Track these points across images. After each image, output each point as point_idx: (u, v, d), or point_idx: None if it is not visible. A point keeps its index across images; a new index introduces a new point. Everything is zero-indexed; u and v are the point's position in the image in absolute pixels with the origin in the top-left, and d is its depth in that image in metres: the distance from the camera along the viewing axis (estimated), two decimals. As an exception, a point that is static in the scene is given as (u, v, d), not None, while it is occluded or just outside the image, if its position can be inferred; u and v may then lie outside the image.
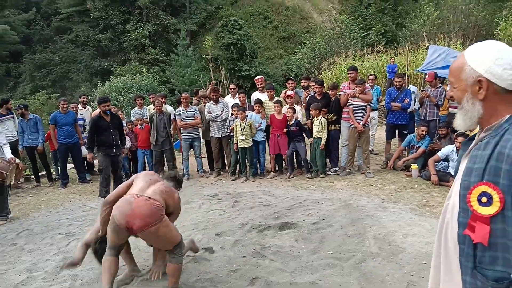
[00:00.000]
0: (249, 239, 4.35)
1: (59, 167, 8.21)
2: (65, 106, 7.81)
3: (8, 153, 5.97)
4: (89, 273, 3.82)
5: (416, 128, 7.39)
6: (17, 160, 7.86)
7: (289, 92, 7.44)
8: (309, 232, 4.41)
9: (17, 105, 8.62)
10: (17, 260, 4.30)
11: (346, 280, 3.31)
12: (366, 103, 6.85)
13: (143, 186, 3.19)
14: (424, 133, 6.70)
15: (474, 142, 1.38)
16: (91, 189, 7.47)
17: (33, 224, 5.52)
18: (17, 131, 8.15)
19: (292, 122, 7.03)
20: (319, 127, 6.83)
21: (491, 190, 1.21)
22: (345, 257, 3.73)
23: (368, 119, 7.00)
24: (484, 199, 1.22)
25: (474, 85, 1.33)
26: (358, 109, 6.83)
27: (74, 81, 27.05)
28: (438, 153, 6.25)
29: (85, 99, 9.24)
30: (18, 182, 8.19)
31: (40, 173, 8.46)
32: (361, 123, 6.76)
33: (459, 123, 1.41)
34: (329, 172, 7.20)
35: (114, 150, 6.61)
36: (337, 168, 7.22)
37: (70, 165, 8.59)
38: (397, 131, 7.50)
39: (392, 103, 7.22)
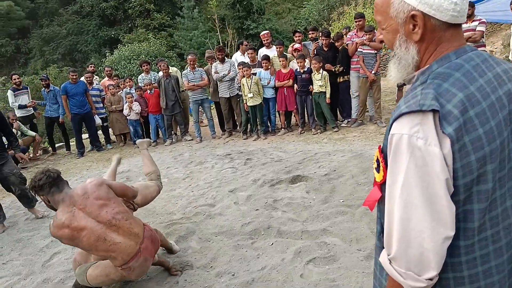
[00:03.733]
0: (261, 194, 4.43)
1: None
2: (74, 76, 7.85)
3: None
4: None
5: None
6: (33, 133, 8.10)
7: (296, 45, 7.26)
8: (320, 183, 4.44)
9: (41, 76, 8.81)
10: (41, 226, 4.50)
11: (356, 225, 3.36)
12: (376, 51, 6.64)
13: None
14: None
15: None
16: (107, 157, 7.63)
17: (54, 192, 5.71)
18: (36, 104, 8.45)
19: (305, 69, 6.85)
20: (322, 80, 6.69)
21: (379, 156, 1.08)
22: (355, 205, 3.77)
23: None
24: (375, 165, 1.11)
25: (407, 22, 1.03)
26: (369, 58, 6.63)
27: (83, 53, 27.00)
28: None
29: (92, 68, 9.26)
30: (37, 155, 8.43)
31: (58, 144, 8.71)
32: (372, 72, 6.59)
33: (392, 75, 1.14)
34: (342, 125, 7.14)
35: None
36: (349, 120, 7.14)
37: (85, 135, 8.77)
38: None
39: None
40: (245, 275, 2.90)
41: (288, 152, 6.04)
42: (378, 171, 1.09)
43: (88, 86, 8.15)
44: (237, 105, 7.66)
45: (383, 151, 1.07)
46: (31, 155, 8.34)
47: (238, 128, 8.04)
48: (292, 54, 7.40)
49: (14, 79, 8.06)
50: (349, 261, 2.88)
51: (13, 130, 7.63)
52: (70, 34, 27.49)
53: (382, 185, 1.08)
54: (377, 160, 1.09)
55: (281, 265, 2.96)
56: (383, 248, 1.07)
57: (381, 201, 1.11)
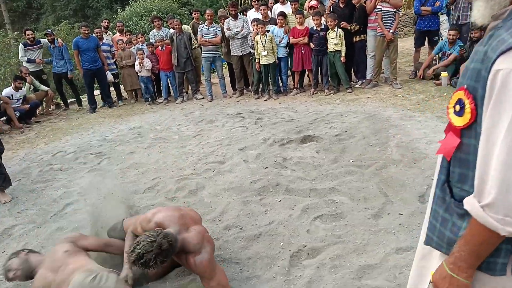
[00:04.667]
0: (271, 152, 4.42)
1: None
2: (86, 31, 7.74)
3: None
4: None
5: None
6: (46, 88, 8.14)
7: (312, 2, 6.99)
8: (331, 144, 4.41)
9: (46, 31, 8.70)
10: (54, 178, 4.60)
11: (365, 185, 3.35)
12: (395, 9, 6.37)
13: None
14: (454, 37, 6.26)
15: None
16: (119, 113, 7.67)
17: (66, 146, 5.81)
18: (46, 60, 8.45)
19: (322, 27, 6.63)
20: (337, 39, 6.47)
21: (465, 98, 0.99)
22: (365, 165, 3.74)
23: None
24: (457, 107, 1.02)
25: None
26: (387, 16, 6.37)
27: (94, 9, 26.51)
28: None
29: (106, 23, 9.11)
30: (50, 110, 8.50)
31: (69, 100, 8.76)
32: (390, 31, 6.35)
33: (480, 12, 1.03)
34: (356, 86, 6.99)
35: None
36: (363, 81, 6.98)
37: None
38: (426, 38, 7.04)
39: (422, 7, 6.69)
40: (252, 229, 2.95)
41: (299, 113, 5.97)
42: (460, 115, 1.01)
43: (99, 41, 8.04)
44: (249, 64, 7.51)
45: (471, 92, 0.99)
46: (44, 110, 8.44)
47: (249, 87, 7.93)
48: (308, 11, 7.14)
49: (28, 35, 7.98)
50: (356, 219, 2.90)
51: (26, 84, 7.69)
52: (81, -12, 26.89)
53: (464, 130, 1.02)
54: (459, 103, 1.01)
55: (288, 220, 2.99)
56: (445, 198, 1.06)
57: (458, 148, 1.05)
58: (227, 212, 3.26)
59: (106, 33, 8.77)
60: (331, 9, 6.86)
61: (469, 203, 0.99)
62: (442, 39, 6.72)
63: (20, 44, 8.19)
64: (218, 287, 2.23)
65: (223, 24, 7.55)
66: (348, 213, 3.00)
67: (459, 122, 1.02)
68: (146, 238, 2.03)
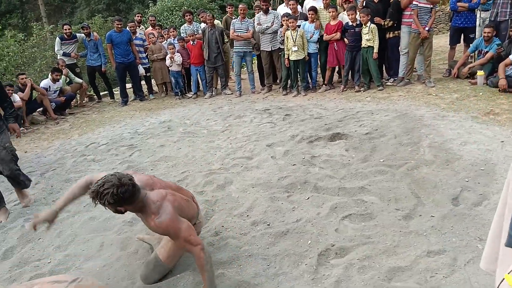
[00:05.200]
0: (299, 149, 4.40)
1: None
2: (119, 25, 7.91)
3: None
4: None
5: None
6: (80, 80, 8.39)
7: None
8: (361, 142, 4.35)
9: (82, 24, 8.97)
10: (87, 168, 4.75)
11: (396, 185, 3.29)
12: (431, 5, 6.19)
13: None
14: (489, 35, 6.02)
15: None
16: (149, 106, 7.82)
17: (99, 138, 5.98)
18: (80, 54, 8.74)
19: (358, 22, 6.51)
20: (369, 34, 6.34)
21: None
22: (397, 165, 3.67)
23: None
24: None
25: None
26: (423, 12, 6.20)
27: (127, 3, 27.05)
28: (510, 56, 5.63)
29: (139, 17, 9.28)
30: (83, 102, 8.77)
31: (102, 93, 8.99)
32: (426, 28, 6.18)
33: None
34: (388, 83, 6.85)
35: None
36: (395, 78, 6.82)
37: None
38: (462, 35, 6.80)
39: (458, 3, 6.47)
40: (280, 226, 2.95)
41: (328, 110, 5.91)
42: None
43: (131, 35, 8.20)
44: (278, 59, 7.48)
45: None
46: (78, 102, 8.71)
47: (278, 82, 7.90)
48: (340, 5, 7.03)
49: (65, 29, 8.23)
50: (386, 220, 2.85)
51: (62, 76, 7.94)
52: (115, -17, 27.47)
53: None
54: None
55: (316, 218, 2.97)
56: None
57: None
58: (254, 208, 3.27)
59: (139, 27, 8.93)
60: (364, 3, 6.73)
61: None
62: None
63: (57, 38, 8.46)
64: (185, 244, 2.23)
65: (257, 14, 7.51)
66: (378, 214, 2.95)
67: None
68: (108, 174, 2.10)
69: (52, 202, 3.94)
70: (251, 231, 2.94)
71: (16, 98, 7.00)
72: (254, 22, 7.46)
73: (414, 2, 6.19)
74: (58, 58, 8.34)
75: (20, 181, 3.87)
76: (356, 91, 6.72)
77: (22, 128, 7.07)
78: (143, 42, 8.52)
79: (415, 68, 6.78)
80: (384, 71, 7.19)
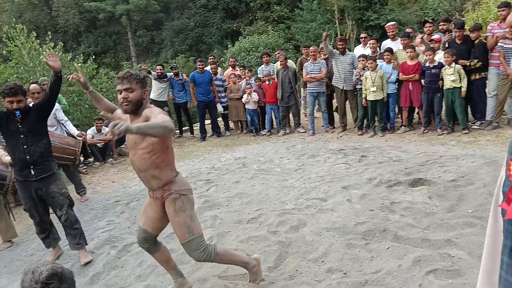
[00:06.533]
0: (377, 194, 4.24)
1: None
2: (201, 66, 8.46)
3: (73, 130, 5.67)
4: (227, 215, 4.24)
5: None
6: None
7: (435, 36, 6.71)
8: (446, 190, 4.07)
9: (171, 65, 9.66)
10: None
11: (488, 241, 3.00)
12: (521, 45, 5.80)
13: None
14: None
15: None
16: (226, 142, 8.12)
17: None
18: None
19: (436, 64, 6.32)
20: (455, 75, 6.05)
21: None
22: (487, 217, 3.34)
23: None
24: None
25: None
26: (510, 53, 5.82)
27: (207, 44, 28.95)
28: None
29: (211, 59, 9.75)
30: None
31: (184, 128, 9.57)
32: (515, 69, 5.78)
33: None
34: (474, 126, 6.43)
35: (32, 172, 3.56)
36: (482, 122, 6.39)
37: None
38: None
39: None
40: (357, 276, 2.82)
41: (408, 152, 5.67)
42: None
43: (212, 76, 8.71)
44: (352, 99, 7.43)
45: None
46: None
47: (353, 122, 7.80)
48: (420, 45, 6.86)
49: (158, 69, 8.84)
50: (477, 278, 2.58)
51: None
52: (197, 26, 29.65)
53: None
54: None
55: (397, 271, 2.80)
56: None
57: None
58: (330, 254, 3.17)
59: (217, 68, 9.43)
60: (447, 44, 6.51)
61: None
62: None
63: (154, 78, 9.00)
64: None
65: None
66: (467, 271, 2.70)
67: None
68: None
69: (135, 232, 4.16)
70: (326, 279, 2.85)
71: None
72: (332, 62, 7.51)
73: (499, 44, 5.85)
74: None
75: (74, 231, 3.69)
76: (438, 134, 6.39)
77: (110, 159, 7.71)
78: (222, 82, 8.99)
79: (504, 111, 6.31)
80: (470, 113, 6.77)
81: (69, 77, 2.65)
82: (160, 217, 2.69)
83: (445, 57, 6.14)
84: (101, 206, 5.24)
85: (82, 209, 5.18)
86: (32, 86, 5.29)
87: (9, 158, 3.86)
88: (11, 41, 10.81)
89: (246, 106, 8.38)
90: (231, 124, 9.41)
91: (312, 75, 7.60)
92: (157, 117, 2.41)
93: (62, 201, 3.63)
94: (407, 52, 6.59)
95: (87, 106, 10.48)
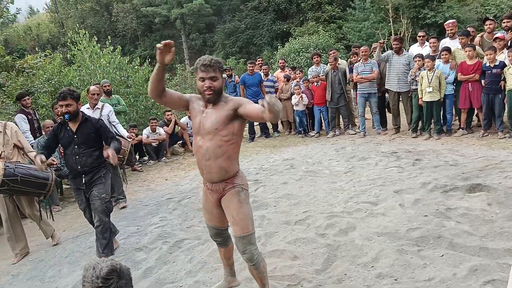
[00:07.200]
0: (431, 199, 4.08)
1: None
2: (252, 68, 8.58)
3: (123, 132, 5.75)
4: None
5: None
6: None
7: (499, 34, 6.34)
8: (507, 196, 3.83)
9: (226, 67, 9.87)
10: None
11: (556, 253, 2.80)
12: None
13: None
14: None
15: None
16: (274, 143, 8.16)
17: (228, 171, 6.42)
18: None
19: (497, 63, 5.96)
20: None
21: None
22: (555, 228, 3.13)
23: None
24: None
25: None
26: None
27: (257, 46, 29.19)
28: None
29: (259, 61, 9.79)
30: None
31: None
32: None
33: None
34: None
35: (84, 180, 3.73)
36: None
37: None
38: None
39: None
40: (409, 283, 2.74)
41: (466, 156, 5.38)
42: None
43: (264, 77, 8.79)
44: (407, 101, 7.17)
45: None
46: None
47: (407, 124, 7.53)
48: (480, 44, 6.50)
49: None
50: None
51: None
52: (248, 28, 30.00)
53: None
54: None
55: (452, 280, 2.68)
56: None
57: None
58: (380, 259, 3.10)
59: (260, 69, 9.41)
60: (509, 43, 6.10)
61: None
62: None
63: None
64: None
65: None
66: (530, 284, 2.53)
67: None
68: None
69: (186, 229, 4.33)
70: (375, 284, 2.79)
71: (161, 131, 8.03)
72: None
73: None
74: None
75: (102, 241, 3.71)
76: (499, 138, 6.01)
77: (164, 158, 8.03)
78: (273, 83, 9.04)
79: None
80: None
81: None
82: (221, 210, 2.70)
83: (509, 57, 5.76)
84: (154, 202, 5.48)
85: (137, 205, 5.45)
86: (92, 87, 5.66)
87: (34, 153, 4.10)
88: (75, 46, 11.56)
89: (294, 108, 8.37)
90: (280, 126, 9.43)
91: (364, 76, 7.43)
92: (254, 105, 2.42)
93: (99, 206, 3.68)
94: (466, 51, 6.26)
95: (142, 107, 10.98)
